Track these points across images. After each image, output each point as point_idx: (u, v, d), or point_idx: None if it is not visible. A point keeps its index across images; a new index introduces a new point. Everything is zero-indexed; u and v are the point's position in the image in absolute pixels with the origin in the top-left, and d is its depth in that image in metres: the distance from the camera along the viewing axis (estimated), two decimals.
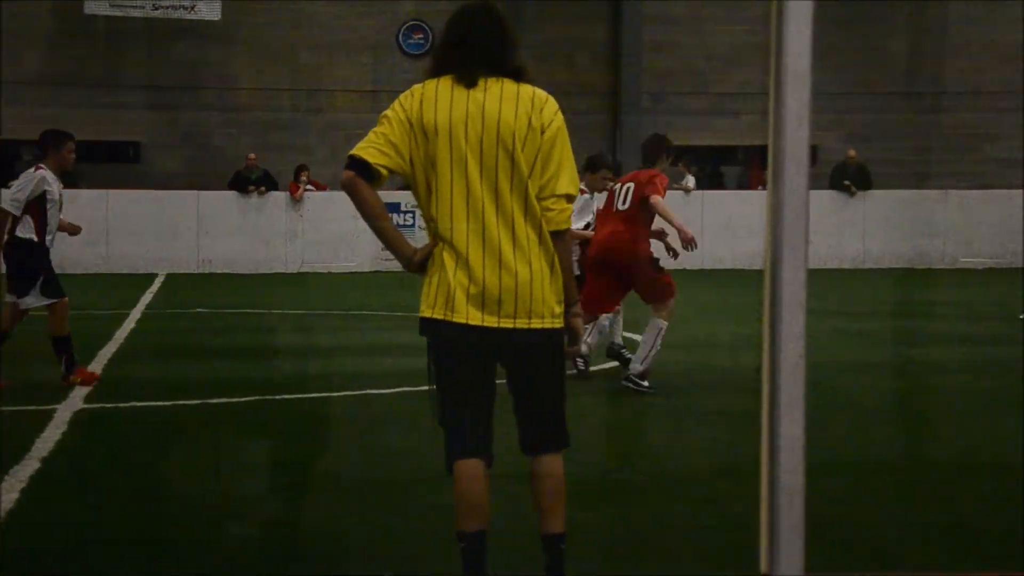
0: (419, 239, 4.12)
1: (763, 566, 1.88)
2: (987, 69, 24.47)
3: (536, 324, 3.94)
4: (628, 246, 8.98)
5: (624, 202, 9.12)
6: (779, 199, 1.95)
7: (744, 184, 24.36)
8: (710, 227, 21.09)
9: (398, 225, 22.43)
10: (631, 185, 9.16)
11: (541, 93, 4.02)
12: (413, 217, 18.82)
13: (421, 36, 23.92)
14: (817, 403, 8.10)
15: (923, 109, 24.44)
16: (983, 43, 24.47)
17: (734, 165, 25.11)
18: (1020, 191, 22.46)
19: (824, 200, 21.30)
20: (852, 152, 22.72)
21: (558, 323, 4.01)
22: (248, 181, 21.72)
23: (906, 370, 10.43)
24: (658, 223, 9.34)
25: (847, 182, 22.08)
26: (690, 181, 22.35)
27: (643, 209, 9.01)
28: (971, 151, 24.61)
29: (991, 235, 21.94)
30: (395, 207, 18.91)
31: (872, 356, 10.92)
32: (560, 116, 4.00)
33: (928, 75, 24.33)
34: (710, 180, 24.33)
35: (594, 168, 9.92)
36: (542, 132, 3.95)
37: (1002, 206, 22.09)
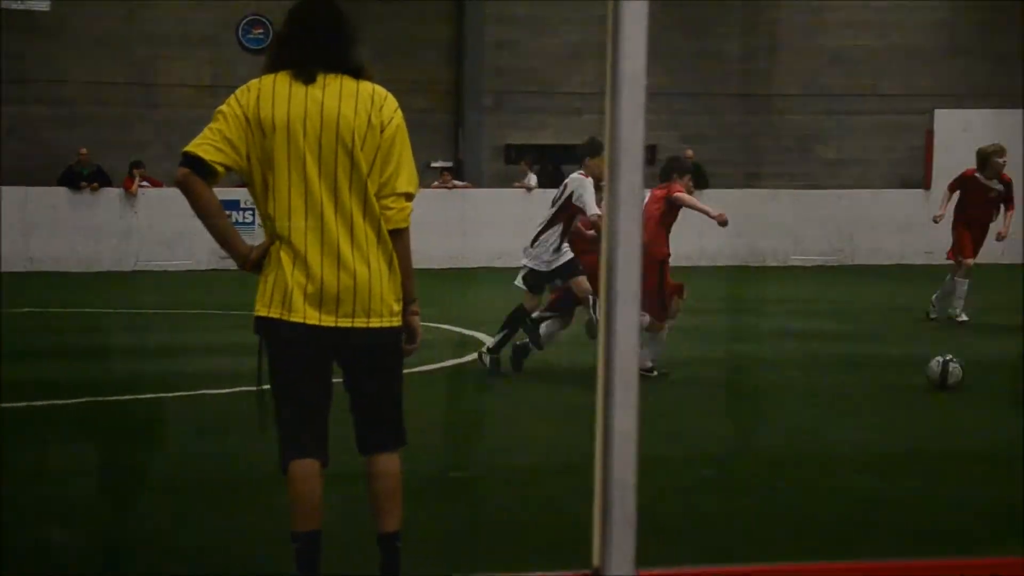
0: (259, 237, 4.05)
1: (595, 560, 1.90)
2: (817, 72, 25.21)
3: (375, 323, 3.92)
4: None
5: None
6: (615, 196, 1.97)
7: None
8: None
9: (237, 223, 21.89)
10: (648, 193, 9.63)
11: (381, 90, 4.00)
12: (253, 215, 18.52)
13: (261, 31, 23.56)
14: (652, 398, 8.30)
15: (756, 110, 25.06)
16: (813, 47, 25.21)
17: (575, 164, 25.37)
18: (849, 191, 23.24)
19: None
20: (690, 152, 23.16)
21: (397, 322, 3.99)
22: (80, 177, 21.09)
23: (738, 365, 10.68)
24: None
25: None
26: (532, 180, 22.52)
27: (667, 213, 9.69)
28: (802, 152, 25.34)
29: (821, 234, 22.62)
30: (234, 204, 18.58)
31: (705, 352, 11.14)
32: (400, 114, 3.99)
33: (761, 77, 24.95)
34: (552, 178, 24.54)
35: (595, 152, 9.52)
36: (382, 130, 3.93)
37: (831, 206, 22.80)
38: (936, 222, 13.21)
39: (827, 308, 15.08)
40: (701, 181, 22.82)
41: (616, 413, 1.94)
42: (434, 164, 23.58)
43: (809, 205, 22.83)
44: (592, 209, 9.26)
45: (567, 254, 9.55)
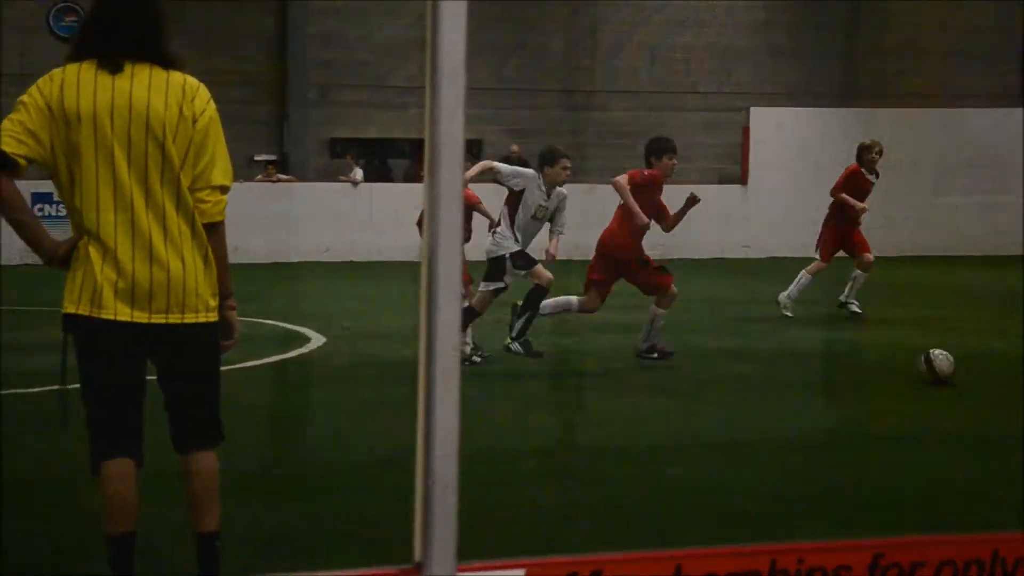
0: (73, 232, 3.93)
1: (416, 555, 1.90)
2: (640, 69, 25.69)
3: (190, 318, 3.84)
4: (618, 240, 10.01)
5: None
6: (435, 191, 1.97)
7: (411, 177, 24.60)
8: (377, 220, 21.19)
9: (48, 216, 21.06)
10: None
11: (192, 81, 3.91)
12: None
13: (74, 18, 22.84)
14: (475, 392, 8.34)
15: (579, 106, 25.40)
16: (634, 43, 25.67)
17: (401, 158, 25.31)
18: (669, 186, 23.71)
19: (488, 194, 21.76)
20: (515, 147, 23.34)
21: (213, 317, 3.92)
22: None
23: (561, 358, 10.80)
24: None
25: None
26: (357, 174, 22.38)
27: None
28: (625, 148, 25.79)
29: None
30: (47, 197, 17.97)
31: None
32: (212, 105, 3.90)
33: (583, 73, 25.30)
34: (378, 173, 24.44)
35: (551, 161, 9.76)
36: (194, 122, 3.84)
37: None
38: (861, 213, 13.47)
39: (648, 301, 15.33)
40: None
41: (437, 407, 1.94)
42: (258, 157, 23.23)
43: None
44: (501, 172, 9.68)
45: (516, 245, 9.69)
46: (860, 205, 13.25)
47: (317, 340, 11.20)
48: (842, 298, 13.17)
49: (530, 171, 9.86)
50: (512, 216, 9.68)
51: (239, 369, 8.99)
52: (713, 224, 22.65)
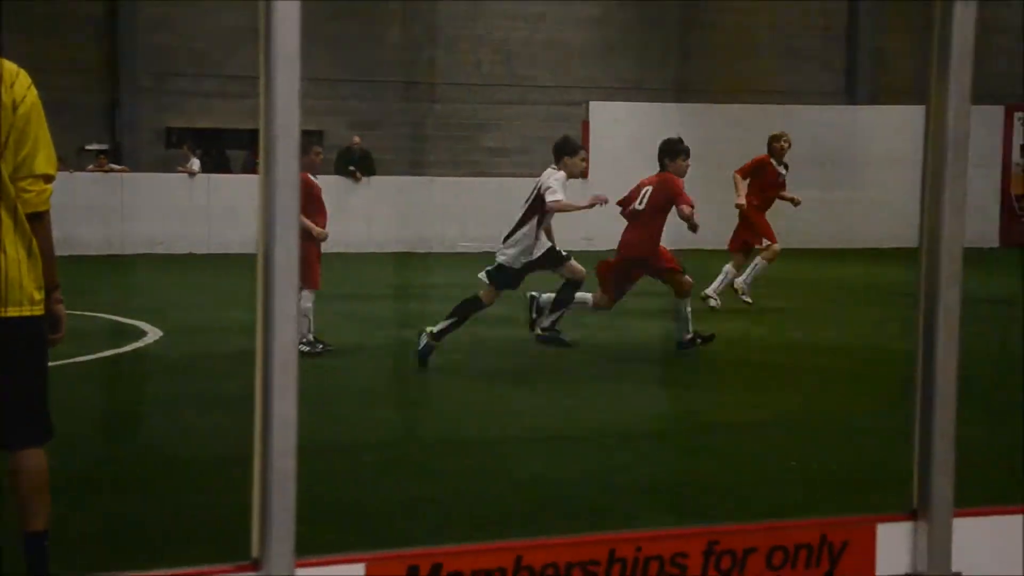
0: None
1: (254, 550, 1.87)
2: (481, 62, 25.77)
3: (14, 312, 3.71)
4: (648, 247, 10.07)
5: (641, 203, 10.20)
6: (271, 182, 1.94)
7: (250, 168, 24.24)
8: (216, 211, 20.83)
9: None
10: (649, 188, 10.20)
11: (11, 66, 3.77)
12: None
13: None
14: (316, 385, 8.27)
15: (420, 98, 25.37)
16: (474, 37, 25.75)
17: (240, 149, 24.92)
18: (512, 179, 23.88)
19: (329, 185, 21.58)
20: (357, 139, 23.20)
21: (39, 310, 3.79)
22: None
23: (403, 351, 10.78)
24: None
25: (352, 168, 22.51)
26: (194, 164, 21.94)
27: (660, 210, 10.11)
28: (466, 140, 25.86)
29: (486, 221, 23.14)
30: None
31: (373, 338, 11.19)
32: (34, 91, 3.77)
33: (425, 66, 25.28)
34: (216, 164, 24.00)
35: (572, 151, 9.72)
36: (14, 109, 3.71)
37: (495, 192, 23.37)
38: (738, 208, 13.70)
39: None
40: (368, 168, 22.92)
41: (275, 399, 1.91)
42: (89, 147, 22.59)
43: (475, 192, 23.31)
44: (555, 195, 9.58)
45: (546, 244, 9.70)
46: (740, 200, 13.57)
47: (154, 334, 10.96)
48: (738, 285, 13.36)
49: (562, 176, 9.73)
50: (541, 221, 9.78)
51: (73, 364, 8.74)
52: (555, 217, 22.88)
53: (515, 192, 23.30)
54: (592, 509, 5.61)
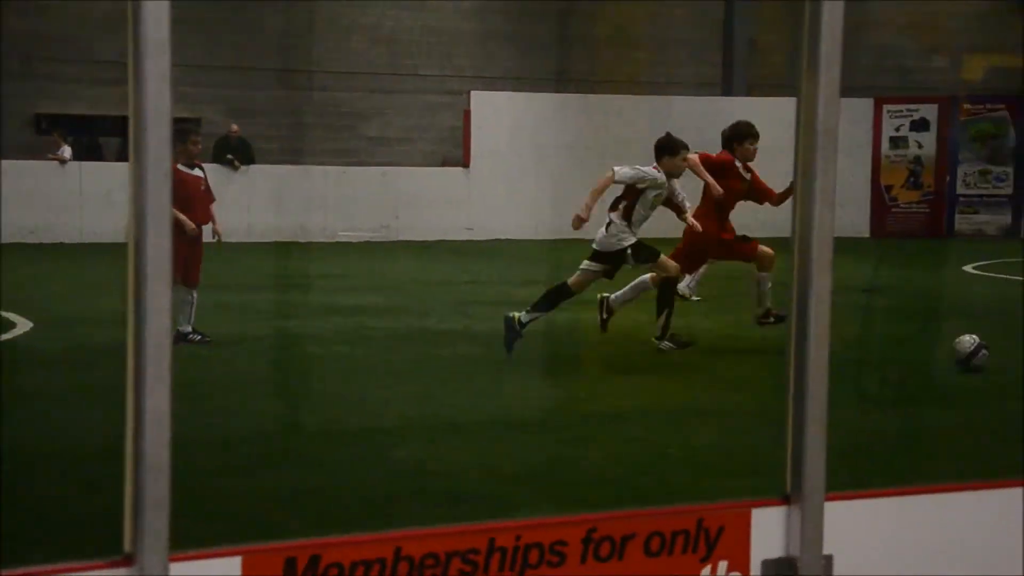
0: None
1: (127, 545, 1.83)
2: (361, 50, 25.60)
3: None
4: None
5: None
6: (142, 170, 1.90)
7: (124, 155, 23.74)
8: (89, 200, 20.38)
9: None
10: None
11: None
12: None
13: None
14: (193, 377, 8.14)
15: (299, 87, 25.11)
16: (355, 24, 25.56)
17: (112, 135, 24.39)
18: (392, 168, 23.81)
19: (207, 174, 21.24)
20: (235, 127, 22.87)
21: None
22: None
23: (284, 342, 10.68)
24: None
25: (230, 156, 22.20)
26: (66, 151, 21.43)
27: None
28: (345, 129, 25.66)
29: (366, 210, 23.01)
30: None
31: (252, 329, 11.06)
32: None
33: (303, 53, 25.02)
34: (88, 151, 23.47)
35: (673, 151, 9.55)
36: None
37: (375, 182, 23.27)
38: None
39: (373, 283, 15.38)
40: (247, 157, 22.62)
41: (147, 391, 1.87)
42: None
43: (355, 182, 23.16)
44: (619, 171, 9.43)
45: (632, 237, 9.53)
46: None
47: (24, 325, 10.69)
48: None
49: (648, 169, 9.53)
50: (630, 212, 9.54)
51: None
52: (437, 206, 22.86)
53: (397, 181, 23.31)
54: (475, 499, 5.61)
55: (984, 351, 8.94)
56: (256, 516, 5.26)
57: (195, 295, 9.96)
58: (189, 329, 9.87)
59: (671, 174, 9.61)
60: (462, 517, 5.13)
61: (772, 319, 10.10)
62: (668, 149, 9.63)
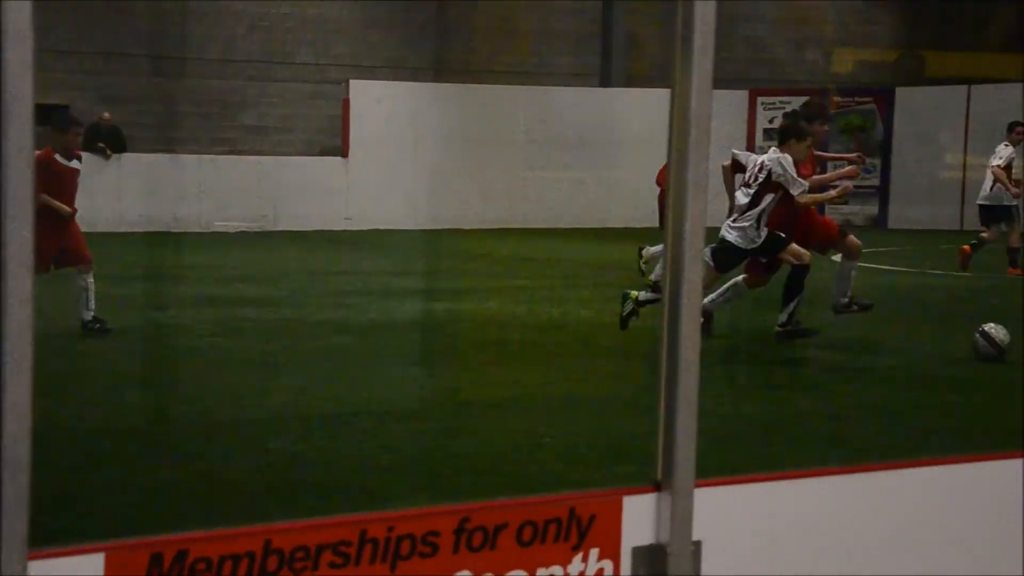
0: None
1: None
2: (236, 38, 25.23)
3: None
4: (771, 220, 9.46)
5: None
6: (3, 158, 1.85)
7: None
8: None
9: None
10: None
11: None
12: None
13: None
14: (60, 369, 7.95)
15: (173, 74, 24.65)
16: (230, 12, 25.18)
17: None
18: (270, 157, 23.52)
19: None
20: (106, 114, 22.39)
21: None
22: None
23: (157, 333, 10.50)
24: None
25: (101, 144, 21.72)
26: None
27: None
28: (222, 117, 25.27)
29: (243, 200, 22.72)
30: None
31: (122, 320, 10.84)
32: None
33: (177, 40, 24.57)
34: None
35: (800, 136, 9.39)
36: None
37: (252, 171, 22.97)
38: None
39: (250, 273, 15.19)
40: (119, 145, 22.16)
41: (7, 383, 1.82)
42: None
43: (231, 171, 22.84)
44: (800, 187, 9.29)
45: (765, 229, 9.33)
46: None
47: None
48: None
49: (787, 158, 9.27)
50: (768, 203, 9.34)
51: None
52: (315, 196, 22.66)
53: (274, 171, 23.04)
54: (349, 490, 5.58)
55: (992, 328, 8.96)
56: (124, 512, 5.16)
57: (90, 281, 9.77)
58: (90, 317, 9.71)
59: (797, 159, 9.40)
60: (336, 509, 5.10)
61: (855, 308, 10.04)
62: (797, 133, 9.46)
